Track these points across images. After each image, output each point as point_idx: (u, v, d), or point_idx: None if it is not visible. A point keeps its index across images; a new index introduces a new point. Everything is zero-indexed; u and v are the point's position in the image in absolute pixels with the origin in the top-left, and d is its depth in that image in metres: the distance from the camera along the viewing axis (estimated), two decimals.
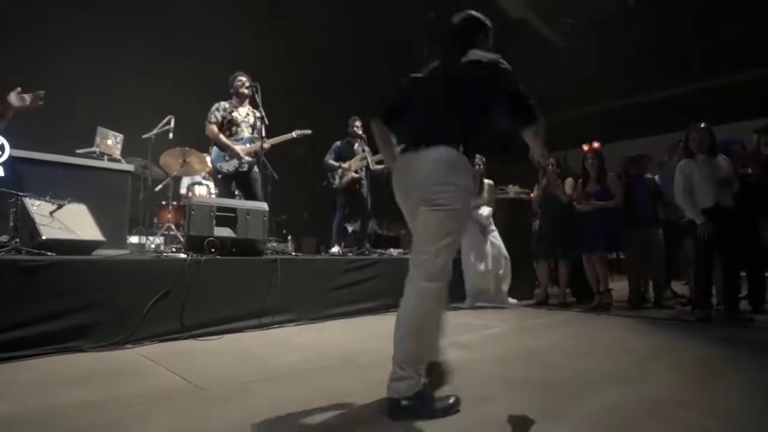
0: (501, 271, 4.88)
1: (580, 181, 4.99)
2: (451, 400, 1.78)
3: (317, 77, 8.03)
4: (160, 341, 2.85)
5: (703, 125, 4.12)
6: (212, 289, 3.14)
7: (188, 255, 3.11)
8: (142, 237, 5.12)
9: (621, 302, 5.11)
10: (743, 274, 4.57)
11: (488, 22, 2.13)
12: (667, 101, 9.27)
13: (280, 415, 1.72)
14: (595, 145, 7.72)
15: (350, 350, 2.81)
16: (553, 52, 8.65)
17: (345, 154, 5.35)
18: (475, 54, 1.93)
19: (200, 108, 4.49)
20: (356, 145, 5.32)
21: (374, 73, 7.11)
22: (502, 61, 1.91)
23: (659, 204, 5.07)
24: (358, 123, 5.33)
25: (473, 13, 2.12)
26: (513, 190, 5.56)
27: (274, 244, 5.76)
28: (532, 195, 5.42)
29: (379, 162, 5.27)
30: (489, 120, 1.96)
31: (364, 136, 5.31)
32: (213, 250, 3.21)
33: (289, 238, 6.68)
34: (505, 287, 4.86)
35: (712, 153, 4.06)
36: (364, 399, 1.89)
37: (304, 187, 8.31)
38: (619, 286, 5.60)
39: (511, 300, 4.73)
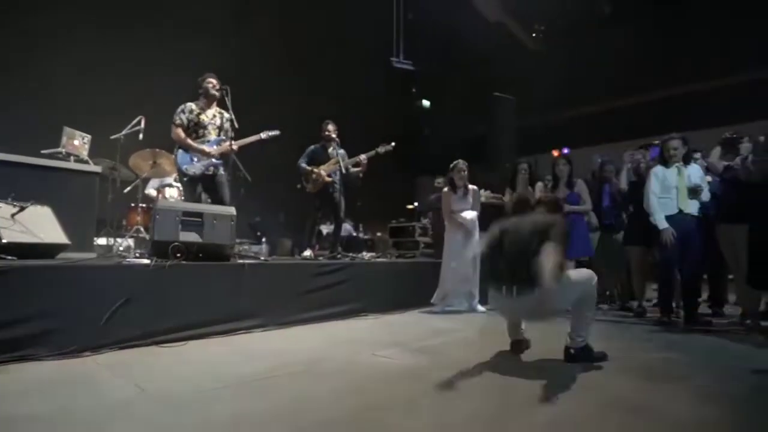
0: (475, 276, 4.93)
1: (550, 185, 5.09)
2: (602, 353, 2.73)
3: (290, 79, 7.98)
4: (121, 348, 2.80)
5: (676, 135, 4.28)
6: (177, 294, 3.10)
7: (152, 260, 3.07)
8: (110, 239, 5.04)
9: None
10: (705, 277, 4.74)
11: None
12: (637, 108, 9.49)
13: (240, 425, 1.72)
14: (565, 151, 7.89)
15: (315, 357, 2.82)
16: (528, 57, 8.79)
17: (319, 158, 5.34)
18: None
19: (172, 109, 4.42)
20: (330, 149, 5.31)
21: (349, 75, 7.12)
22: None
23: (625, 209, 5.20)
24: (331, 126, 5.33)
25: None
26: (485, 195, 5.62)
27: (246, 247, 5.73)
28: (504, 199, 5.50)
29: (355, 165, 5.27)
30: None
31: (337, 139, 5.31)
32: (178, 255, 3.17)
33: (263, 240, 6.64)
34: (477, 296, 4.92)
35: (684, 162, 4.22)
36: (326, 408, 1.90)
37: (280, 188, 8.26)
38: None
39: (481, 308, 4.80)
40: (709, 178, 4.34)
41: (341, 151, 5.32)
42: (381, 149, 5.25)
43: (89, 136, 4.81)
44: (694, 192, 4.12)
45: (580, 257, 5.01)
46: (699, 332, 3.82)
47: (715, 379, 2.45)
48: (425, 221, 7.71)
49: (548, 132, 9.56)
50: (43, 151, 4.40)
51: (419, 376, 2.39)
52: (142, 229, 5.08)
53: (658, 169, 4.31)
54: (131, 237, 5.10)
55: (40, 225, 3.33)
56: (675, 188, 4.15)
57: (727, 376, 2.51)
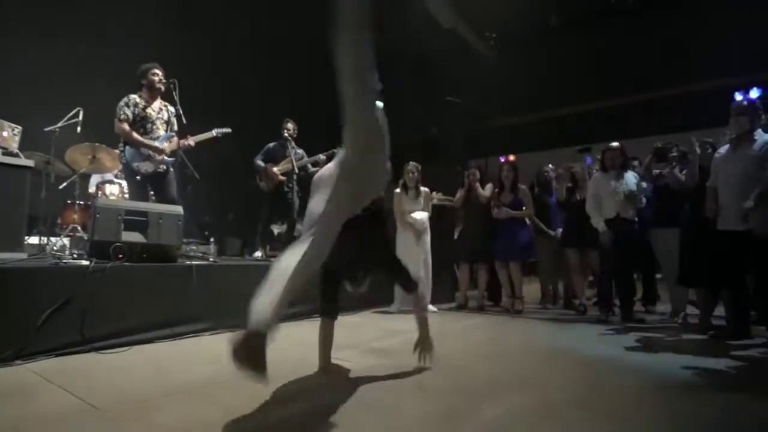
0: (427, 277, 5.00)
1: (496, 190, 5.29)
2: None
3: (240, 75, 7.76)
4: (57, 356, 2.63)
5: (615, 145, 4.56)
6: (119, 298, 2.95)
7: (92, 261, 2.89)
8: (42, 238, 4.71)
9: (534, 304, 5.48)
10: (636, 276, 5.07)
11: None
12: (580, 116, 9.95)
13: None
14: (511, 158, 8.22)
15: (268, 360, 2.75)
16: (479, 64, 9.01)
17: (278, 156, 5.26)
18: None
19: (113, 100, 4.19)
20: (289, 148, 5.23)
21: (307, 72, 7.01)
22: None
23: None
24: (290, 125, 5.25)
25: None
26: (437, 197, 5.73)
27: (194, 247, 5.53)
28: (455, 200, 5.63)
29: (314, 164, 5.21)
30: None
31: (293, 137, 5.23)
32: (120, 256, 3.01)
33: (212, 240, 6.42)
34: (428, 294, 5.00)
35: (622, 169, 4.49)
36: (278, 412, 1.87)
37: (229, 187, 8.01)
38: (532, 289, 5.97)
39: (432, 308, 4.88)
40: (644, 185, 4.64)
41: (299, 151, 5.25)
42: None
43: (20, 128, 4.46)
44: (630, 198, 4.40)
45: (525, 260, 5.24)
46: (634, 328, 4.07)
47: (650, 373, 2.62)
48: None
49: (497, 136, 9.84)
50: None
51: (375, 378, 2.40)
52: (78, 228, 4.78)
53: (598, 176, 4.58)
54: (67, 236, 4.78)
55: None
56: (613, 194, 4.42)
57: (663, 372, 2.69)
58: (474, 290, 5.65)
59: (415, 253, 4.85)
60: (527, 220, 5.32)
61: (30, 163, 4.16)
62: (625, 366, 2.81)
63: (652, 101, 8.75)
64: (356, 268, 2.41)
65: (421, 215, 5.02)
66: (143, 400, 1.99)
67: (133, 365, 2.59)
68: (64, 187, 4.96)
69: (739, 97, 4.49)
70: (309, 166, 5.21)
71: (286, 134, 5.22)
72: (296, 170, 5.08)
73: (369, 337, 3.54)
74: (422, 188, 5.14)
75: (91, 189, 5.56)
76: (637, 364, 2.87)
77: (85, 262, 2.93)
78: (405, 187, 5.08)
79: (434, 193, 5.68)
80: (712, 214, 3.63)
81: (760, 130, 3.56)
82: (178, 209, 3.50)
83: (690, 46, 7.19)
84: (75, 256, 3.30)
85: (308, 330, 3.78)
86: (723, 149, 3.76)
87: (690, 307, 4.46)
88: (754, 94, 5.01)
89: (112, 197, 5.26)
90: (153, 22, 5.97)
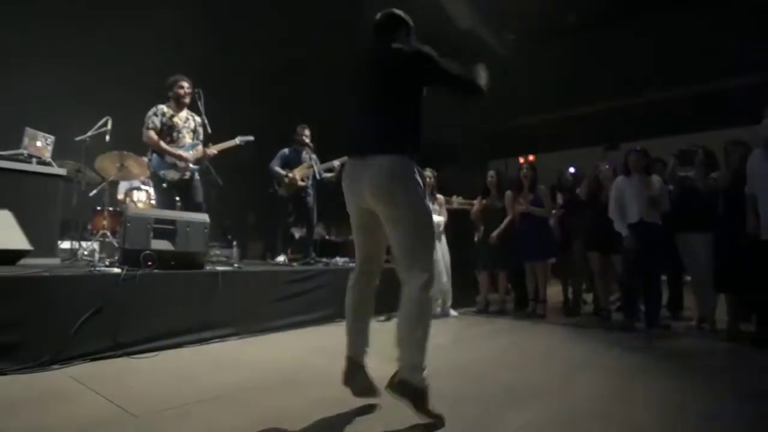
0: (445, 283, 5.00)
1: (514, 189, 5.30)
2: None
3: (263, 82, 7.89)
4: (92, 360, 2.73)
5: (639, 148, 4.50)
6: (149, 304, 3.04)
7: (123, 269, 2.99)
8: (74, 243, 4.87)
9: (557, 308, 5.45)
10: (664, 278, 4.98)
11: (410, 21, 2.22)
12: (603, 115, 9.82)
13: None
14: (530, 157, 8.17)
15: (292, 366, 2.82)
16: (497, 64, 8.96)
17: (292, 162, 5.32)
18: (397, 45, 2.05)
19: (140, 109, 4.32)
20: (303, 153, 5.29)
21: (320, 80, 7.10)
22: (423, 48, 2.03)
23: None
24: (307, 131, 5.32)
25: (395, 11, 2.20)
26: (457, 201, 5.73)
27: (218, 252, 5.65)
28: (472, 212, 5.61)
29: (328, 170, 5.27)
30: (422, 112, 2.04)
31: (311, 144, 5.29)
32: (150, 264, 3.11)
33: (234, 244, 6.55)
34: (449, 301, 5.01)
35: (646, 173, 4.42)
36: (304, 421, 1.91)
37: (250, 190, 8.15)
38: (555, 292, 5.92)
39: (453, 312, 4.89)
40: (670, 187, 4.56)
41: (314, 156, 5.31)
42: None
43: (53, 137, 4.63)
44: (654, 201, 4.32)
45: (549, 258, 5.20)
46: (659, 336, 4.02)
47: (676, 385, 2.59)
48: None
49: (516, 137, 9.78)
50: (2, 153, 4.22)
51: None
52: (108, 233, 4.93)
53: (620, 179, 4.51)
54: (97, 241, 4.95)
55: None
56: (636, 197, 4.35)
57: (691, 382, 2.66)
58: (495, 293, 5.63)
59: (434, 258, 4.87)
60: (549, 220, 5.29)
61: (62, 171, 4.32)
62: (651, 376, 2.78)
63: (674, 99, 8.59)
64: None
65: (437, 219, 5.05)
66: (172, 407, 2.05)
67: (163, 370, 2.68)
68: (94, 194, 5.11)
69: None
70: (322, 171, 5.27)
71: (305, 140, 5.28)
72: (318, 176, 5.15)
73: (389, 343, 3.54)
74: (438, 195, 5.17)
75: (120, 195, 5.73)
76: (663, 373, 2.84)
77: (117, 270, 3.03)
78: None
79: (454, 196, 5.68)
80: (754, 228, 3.54)
81: None
82: (205, 217, 3.59)
83: (716, 42, 7.04)
84: (107, 264, 3.40)
85: (331, 335, 3.86)
86: (756, 153, 3.66)
87: (717, 313, 4.37)
88: None
89: (139, 203, 5.40)
90: (178, 34, 6.12)
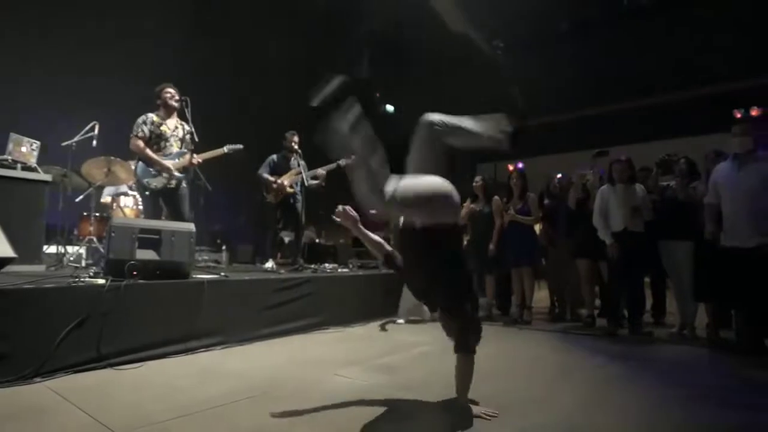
0: None
1: (504, 199, 5.33)
2: None
3: (248, 91, 7.89)
4: (75, 372, 2.72)
5: (624, 158, 4.55)
6: (133, 314, 3.04)
7: (107, 280, 2.99)
8: (60, 248, 4.85)
9: (543, 313, 5.51)
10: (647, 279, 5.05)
11: None
12: (590, 119, 9.92)
13: None
14: (519, 165, 8.25)
15: (275, 377, 2.83)
16: (487, 68, 9.02)
17: (280, 168, 5.33)
18: None
19: (127, 114, 4.31)
20: (292, 159, 5.31)
21: (308, 87, 7.12)
22: None
23: None
24: (296, 138, 5.33)
25: None
26: None
27: (206, 257, 5.64)
28: (461, 215, 5.64)
29: (313, 178, 5.29)
30: None
31: (299, 150, 5.31)
32: (135, 274, 3.11)
33: (224, 248, 6.54)
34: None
35: (630, 182, 4.48)
36: None
37: (240, 193, 8.14)
38: (541, 297, 5.98)
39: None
40: (654, 196, 4.63)
41: (302, 162, 5.32)
42: (342, 162, 5.09)
43: (38, 143, 4.60)
44: (636, 210, 4.39)
45: (535, 263, 5.27)
46: (642, 342, 4.08)
47: (658, 392, 2.64)
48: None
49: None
50: None
51: (376, 399, 2.45)
52: (94, 239, 4.91)
53: (605, 188, 4.58)
54: (83, 246, 4.93)
55: None
56: (620, 207, 4.42)
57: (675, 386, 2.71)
58: (483, 297, 5.66)
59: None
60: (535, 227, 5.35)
61: (48, 177, 4.30)
62: (634, 385, 2.83)
63: (661, 105, 8.70)
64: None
65: None
66: (153, 423, 2.04)
67: (147, 382, 2.67)
68: (81, 199, 5.09)
69: (739, 114, 4.48)
70: (309, 178, 5.28)
71: (294, 146, 5.29)
72: (307, 182, 5.16)
73: (375, 352, 3.58)
74: None
75: (104, 199, 5.68)
76: (646, 381, 2.89)
77: (101, 281, 3.02)
78: None
79: None
80: (711, 236, 3.65)
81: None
82: (190, 227, 3.58)
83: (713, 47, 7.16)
84: (92, 274, 3.39)
85: (317, 343, 3.88)
86: (723, 166, 3.76)
87: (698, 320, 4.44)
88: (755, 111, 4.97)
89: (126, 209, 5.38)
90: (167, 39, 6.10)
